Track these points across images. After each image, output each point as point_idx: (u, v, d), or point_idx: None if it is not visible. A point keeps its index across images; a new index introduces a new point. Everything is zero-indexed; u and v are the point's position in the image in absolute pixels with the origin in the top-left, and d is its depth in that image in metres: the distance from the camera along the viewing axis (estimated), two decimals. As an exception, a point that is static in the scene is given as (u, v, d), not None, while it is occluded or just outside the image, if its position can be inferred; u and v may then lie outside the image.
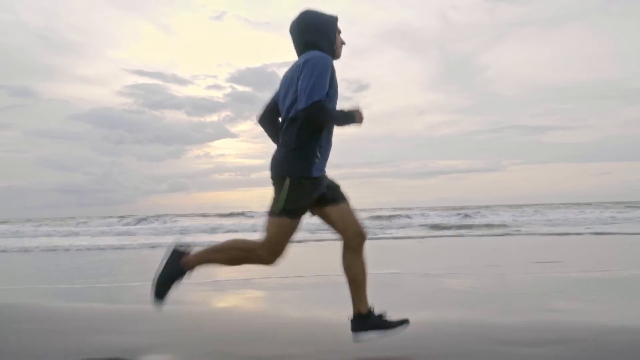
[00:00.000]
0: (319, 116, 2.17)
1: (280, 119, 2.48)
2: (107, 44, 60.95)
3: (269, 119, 2.55)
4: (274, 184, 2.35)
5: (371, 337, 2.47)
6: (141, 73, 61.73)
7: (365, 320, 2.45)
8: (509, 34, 58.62)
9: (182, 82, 59.87)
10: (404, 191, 68.19)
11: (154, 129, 59.22)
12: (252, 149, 68.39)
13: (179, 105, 60.02)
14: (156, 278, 2.35)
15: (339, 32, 2.45)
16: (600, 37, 60.08)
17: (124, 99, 59.14)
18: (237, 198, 70.62)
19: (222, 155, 68.62)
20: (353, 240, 2.43)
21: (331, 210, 2.40)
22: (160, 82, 59.81)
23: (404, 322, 2.51)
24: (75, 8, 57.89)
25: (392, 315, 2.56)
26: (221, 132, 65.49)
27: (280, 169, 2.30)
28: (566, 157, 72.02)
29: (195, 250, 2.42)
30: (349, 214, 2.43)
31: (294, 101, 2.26)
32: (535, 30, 58.42)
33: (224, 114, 61.26)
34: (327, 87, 2.21)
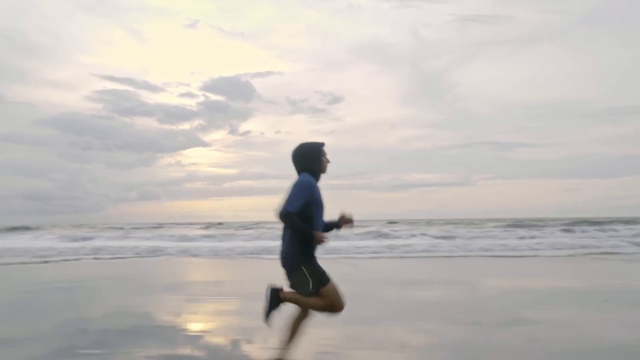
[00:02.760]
0: (285, 221, 3.04)
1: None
2: (78, 49, 59.60)
3: None
4: (292, 273, 3.09)
5: None
6: (112, 79, 60.35)
7: None
8: (478, 53, 60.19)
9: (154, 89, 59.17)
10: (376, 204, 68.79)
11: (124, 135, 58.04)
12: (224, 158, 67.95)
13: (150, 113, 59.06)
14: (265, 307, 3.20)
15: (324, 154, 3.32)
16: (566, 58, 62.38)
17: (93, 104, 57.95)
18: (209, 207, 69.93)
19: (194, 163, 67.82)
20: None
21: None
22: (131, 89, 58.84)
23: None
24: (45, 11, 56.40)
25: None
26: (193, 141, 64.85)
27: (294, 264, 3.08)
28: (534, 173, 74.03)
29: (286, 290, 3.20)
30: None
31: None
32: (504, 50, 60.19)
33: (196, 122, 60.66)
34: (302, 202, 3.06)
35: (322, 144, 3.35)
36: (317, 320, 4.05)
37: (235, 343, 3.51)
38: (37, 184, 62.31)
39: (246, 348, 3.38)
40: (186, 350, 3.31)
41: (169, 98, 59.06)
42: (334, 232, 3.38)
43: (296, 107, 62.70)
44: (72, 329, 4.06)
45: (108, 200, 61.30)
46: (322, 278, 3.08)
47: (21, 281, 7.92)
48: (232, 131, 59.91)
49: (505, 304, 4.99)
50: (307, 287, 3.05)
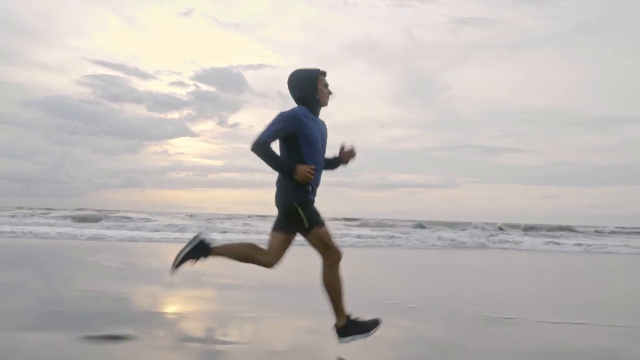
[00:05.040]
0: (256, 152, 2.78)
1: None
2: (69, 32, 58.04)
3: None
4: (287, 213, 2.85)
5: (353, 340, 2.91)
6: (102, 64, 58.85)
7: (346, 327, 2.90)
8: (470, 56, 60.14)
9: (144, 76, 57.96)
10: (360, 202, 68.56)
11: (112, 121, 56.84)
12: (211, 150, 67.18)
13: (140, 100, 57.94)
14: (180, 254, 2.95)
15: (325, 84, 2.96)
16: (557, 66, 62.57)
17: (82, 88, 56.64)
18: (193, 198, 69.10)
19: (181, 153, 66.81)
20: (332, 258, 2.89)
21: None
22: (121, 75, 57.62)
23: (377, 322, 2.93)
24: (38, -8, 55.17)
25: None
26: (181, 130, 63.81)
27: (289, 201, 2.82)
28: (518, 179, 74.50)
29: (217, 242, 3.01)
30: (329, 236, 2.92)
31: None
32: (495, 55, 60.29)
33: (185, 111, 59.61)
34: (275, 132, 2.79)
35: (320, 71, 2.98)
36: (291, 311, 4.05)
37: (208, 329, 3.49)
38: (21, 166, 61.02)
39: (219, 334, 3.36)
40: (160, 334, 3.28)
41: (159, 86, 58.14)
42: (340, 168, 3.17)
43: (287, 102, 60.19)
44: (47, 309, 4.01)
45: (91, 185, 60.25)
46: (317, 218, 2.84)
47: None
48: (221, 122, 59.18)
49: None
50: (302, 224, 2.81)
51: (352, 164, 3.17)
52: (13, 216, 22.84)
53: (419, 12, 57.21)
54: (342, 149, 3.13)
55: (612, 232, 29.40)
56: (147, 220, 23.35)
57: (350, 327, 2.87)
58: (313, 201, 2.90)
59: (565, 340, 3.49)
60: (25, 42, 54.23)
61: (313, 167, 2.81)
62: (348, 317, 2.90)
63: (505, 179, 72.86)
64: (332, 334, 3.06)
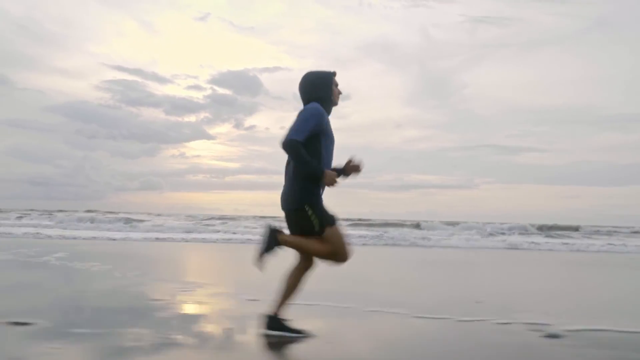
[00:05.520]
0: (289, 151, 2.74)
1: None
2: (88, 38, 58.77)
3: None
4: (295, 215, 2.88)
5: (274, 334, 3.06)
6: (120, 69, 59.49)
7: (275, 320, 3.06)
8: (487, 55, 59.42)
9: (162, 80, 58.51)
10: (377, 203, 68.40)
11: (130, 125, 57.55)
12: (228, 152, 67.63)
13: (157, 104, 58.53)
14: (259, 247, 2.98)
15: (336, 84, 3.07)
16: (576, 63, 61.26)
17: (101, 93, 57.27)
18: (210, 200, 69.61)
19: (198, 156, 67.36)
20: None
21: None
22: (139, 79, 58.15)
23: (300, 332, 3.06)
24: (60, 0, 56.11)
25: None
26: (198, 133, 64.36)
27: (296, 203, 2.84)
28: (538, 179, 73.07)
29: (287, 233, 2.99)
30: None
31: None
32: (513, 53, 59.55)
33: (202, 115, 59.95)
34: (309, 131, 2.78)
35: (333, 73, 3.07)
36: (306, 311, 4.05)
37: (227, 328, 3.56)
38: (42, 170, 62.33)
39: (239, 332, 3.43)
40: (178, 331, 3.36)
41: (176, 90, 58.72)
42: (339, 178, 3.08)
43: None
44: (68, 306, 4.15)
45: (110, 188, 61.21)
46: (328, 218, 2.85)
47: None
48: (237, 125, 59.56)
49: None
50: (312, 228, 2.82)
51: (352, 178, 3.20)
52: (7, 218, 23.88)
53: (435, 12, 56.84)
54: (349, 161, 3.12)
55: (634, 232, 28.80)
56: (141, 221, 23.73)
57: (274, 323, 3.04)
58: (322, 200, 2.94)
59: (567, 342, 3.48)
60: (45, 49, 55.25)
61: (336, 174, 2.86)
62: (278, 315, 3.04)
63: (523, 179, 71.75)
64: (348, 334, 3.12)
